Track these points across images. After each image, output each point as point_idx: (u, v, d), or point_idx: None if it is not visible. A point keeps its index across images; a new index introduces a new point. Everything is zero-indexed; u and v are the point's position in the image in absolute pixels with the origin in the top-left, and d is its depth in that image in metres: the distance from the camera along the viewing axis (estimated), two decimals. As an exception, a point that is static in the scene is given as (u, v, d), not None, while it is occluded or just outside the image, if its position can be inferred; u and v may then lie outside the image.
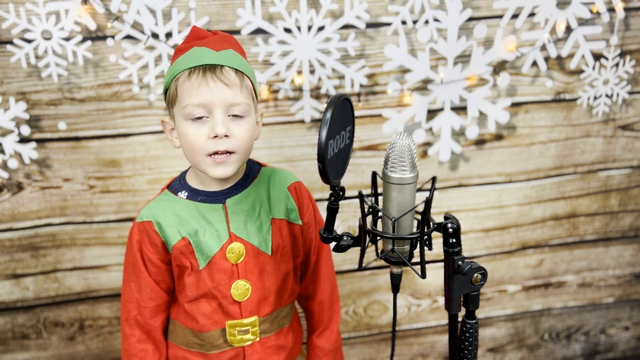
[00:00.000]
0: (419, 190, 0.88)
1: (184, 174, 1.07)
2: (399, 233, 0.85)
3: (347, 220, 1.53)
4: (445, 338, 1.75)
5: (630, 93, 1.53)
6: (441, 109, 1.44)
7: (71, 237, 1.43)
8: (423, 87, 1.42)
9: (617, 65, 1.48)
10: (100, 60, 1.28)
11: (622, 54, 1.48)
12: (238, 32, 1.29)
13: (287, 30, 1.31)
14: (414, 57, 1.38)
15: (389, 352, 1.71)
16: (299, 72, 1.34)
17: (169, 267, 1.05)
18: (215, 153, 0.93)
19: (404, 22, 1.35)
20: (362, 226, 0.86)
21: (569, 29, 1.42)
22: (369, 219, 0.88)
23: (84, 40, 1.26)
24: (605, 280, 1.78)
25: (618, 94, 1.52)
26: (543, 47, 1.42)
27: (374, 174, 0.88)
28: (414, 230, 0.87)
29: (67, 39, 1.25)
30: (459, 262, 0.83)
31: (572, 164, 1.59)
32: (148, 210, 1.03)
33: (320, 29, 1.32)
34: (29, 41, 1.24)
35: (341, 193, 0.83)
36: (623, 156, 1.61)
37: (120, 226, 1.43)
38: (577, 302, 1.79)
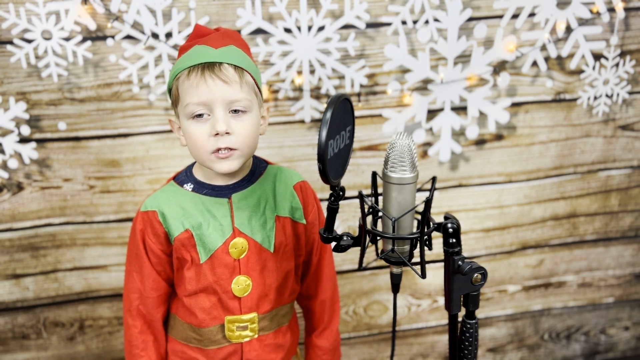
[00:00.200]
0: (419, 190, 0.88)
1: (190, 166, 1.06)
2: (399, 233, 0.85)
3: (347, 220, 1.53)
4: (445, 338, 1.75)
5: (630, 93, 1.53)
6: (441, 109, 1.44)
7: (71, 237, 1.43)
8: (423, 87, 1.42)
9: (617, 65, 1.48)
10: (100, 60, 1.28)
11: (622, 54, 1.48)
12: (238, 32, 1.29)
13: (287, 30, 1.31)
14: (414, 57, 1.38)
15: (389, 352, 1.71)
16: (299, 72, 1.34)
17: (170, 258, 1.04)
18: (218, 150, 0.93)
19: (404, 22, 1.35)
20: (362, 226, 0.86)
21: (569, 29, 1.42)
22: (369, 219, 0.88)
23: (84, 40, 1.26)
24: (605, 280, 1.78)
25: (618, 94, 1.52)
26: (543, 47, 1.42)
27: (374, 174, 0.88)
28: (414, 230, 0.87)
29: (67, 39, 1.25)
30: (459, 262, 0.83)
31: (572, 164, 1.59)
32: (153, 200, 1.02)
33: (321, 29, 1.32)
34: (29, 41, 1.24)
35: (341, 193, 0.83)
36: (623, 156, 1.61)
37: (120, 226, 1.43)
38: (577, 302, 1.79)
